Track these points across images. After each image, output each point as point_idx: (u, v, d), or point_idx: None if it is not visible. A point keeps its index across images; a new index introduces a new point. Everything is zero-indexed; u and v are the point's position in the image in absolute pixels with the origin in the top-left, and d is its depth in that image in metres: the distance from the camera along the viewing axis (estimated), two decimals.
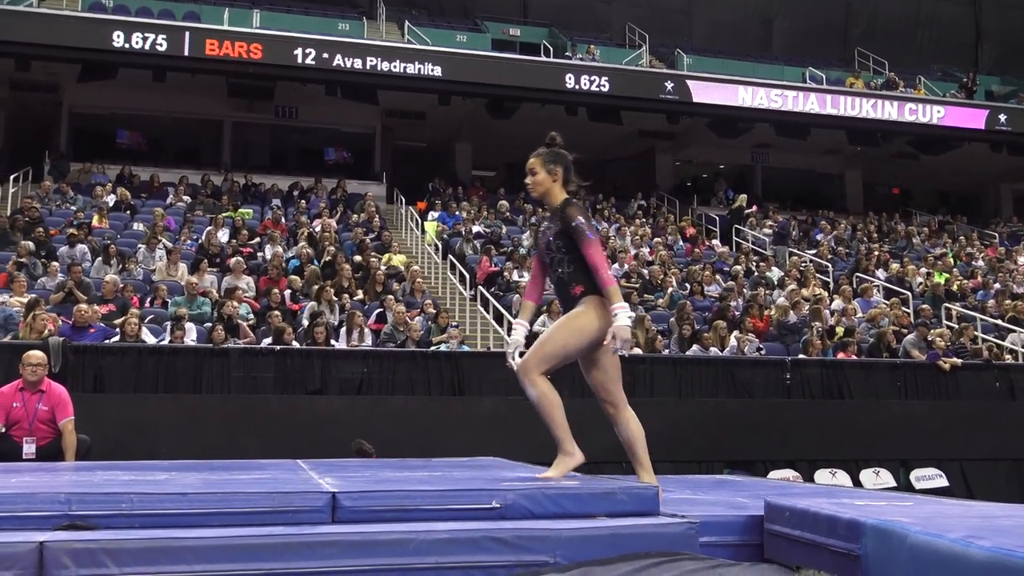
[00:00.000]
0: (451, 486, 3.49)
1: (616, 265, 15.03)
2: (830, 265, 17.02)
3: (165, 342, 9.62)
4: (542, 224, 4.18)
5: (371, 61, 17.95)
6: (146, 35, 16.91)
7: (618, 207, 19.75)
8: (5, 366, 7.21)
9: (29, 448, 6.16)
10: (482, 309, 13.64)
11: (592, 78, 18.88)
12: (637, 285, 14.01)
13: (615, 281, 3.93)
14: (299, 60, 17.52)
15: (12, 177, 16.38)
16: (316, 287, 11.70)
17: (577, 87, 18.77)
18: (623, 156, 22.95)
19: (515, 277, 13.78)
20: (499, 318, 12.77)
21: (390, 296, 12.09)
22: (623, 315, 3.75)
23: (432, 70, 18.17)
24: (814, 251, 18.05)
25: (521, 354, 4.01)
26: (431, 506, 3.24)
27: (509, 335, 4.32)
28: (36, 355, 6.48)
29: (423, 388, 9.42)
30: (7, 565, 2.67)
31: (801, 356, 11.41)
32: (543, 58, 20.37)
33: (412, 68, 18.12)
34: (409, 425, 8.71)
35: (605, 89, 18.88)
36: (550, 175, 4.02)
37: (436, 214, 17.67)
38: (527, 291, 4.28)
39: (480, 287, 14.02)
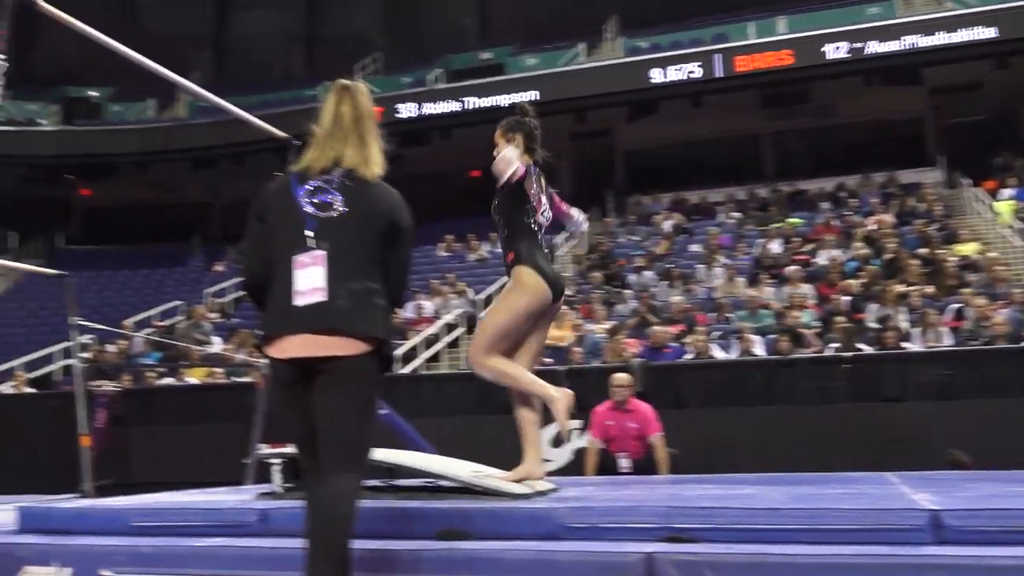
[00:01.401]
0: None
1: None
2: None
3: (733, 356, 9.89)
4: None
5: (908, 40, 16.75)
6: (679, 66, 17.88)
7: None
8: (598, 388, 7.98)
9: (625, 463, 6.74)
10: None
11: None
12: None
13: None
14: (830, 56, 17.02)
15: None
16: (879, 288, 11.10)
17: None
18: None
19: None
20: None
21: (966, 289, 10.99)
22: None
23: (983, 33, 16.31)
24: None
25: None
26: None
27: None
28: (621, 376, 7.10)
29: (1019, 389, 8.33)
30: (621, 572, 2.90)
31: None
32: None
33: (959, 36, 16.47)
34: (1007, 432, 7.75)
35: None
36: (509, 143, 3.94)
37: (1010, 192, 15.71)
38: None
39: None
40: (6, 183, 22.11)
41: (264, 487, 4.36)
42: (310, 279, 2.72)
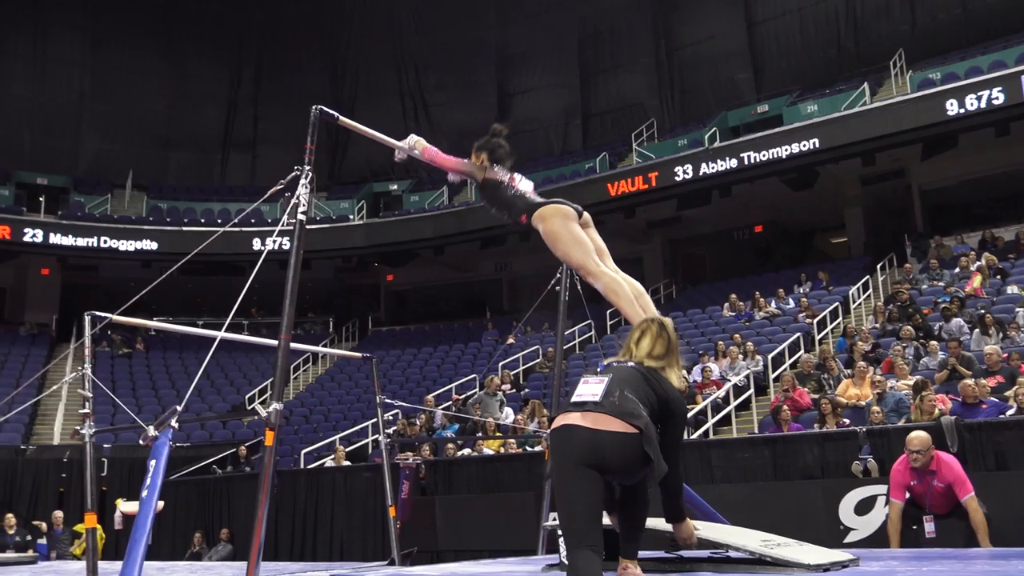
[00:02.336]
0: None
1: None
2: None
3: None
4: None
5: None
6: (979, 94, 16.48)
7: None
8: (903, 451, 7.36)
9: (929, 527, 6.08)
10: None
11: None
12: None
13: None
14: None
15: (879, 266, 17.28)
16: None
17: None
18: None
19: None
20: None
21: None
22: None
23: None
24: None
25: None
26: None
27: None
28: (916, 438, 6.38)
29: None
30: None
31: None
32: None
33: None
34: None
35: None
36: (477, 158, 4.89)
37: None
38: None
39: None
40: (325, 274, 24.65)
41: (551, 558, 4.42)
42: (590, 389, 3.39)
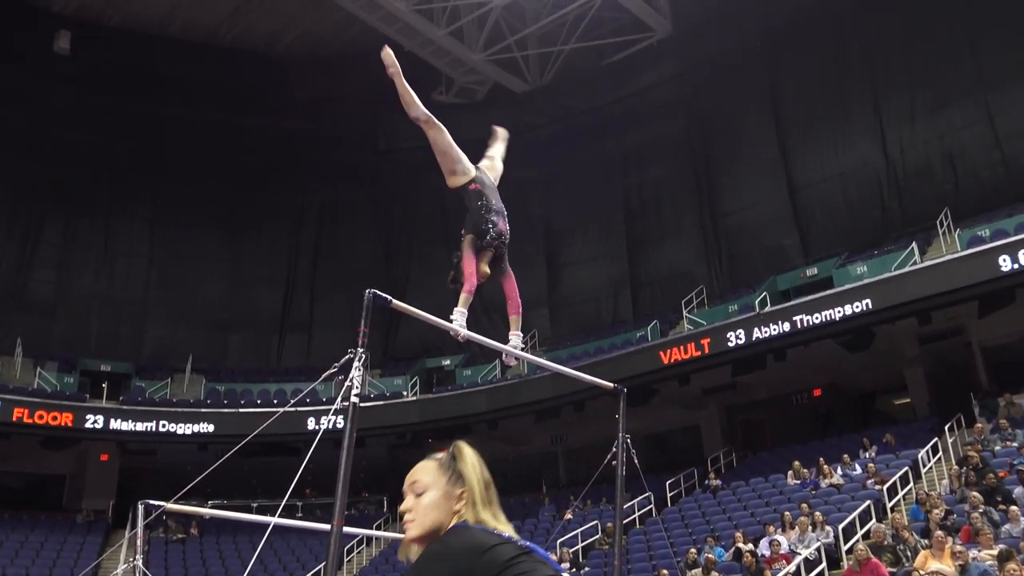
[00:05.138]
0: None
1: None
2: None
3: None
4: None
5: None
6: None
7: None
8: None
9: None
10: None
11: None
12: None
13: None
14: None
15: (947, 427, 16.68)
16: None
17: None
18: None
19: None
20: None
21: None
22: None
23: None
24: None
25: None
26: None
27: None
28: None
29: None
30: None
31: None
32: None
33: None
34: None
35: None
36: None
37: None
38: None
39: None
40: (379, 452, 24.53)
41: None
42: None
